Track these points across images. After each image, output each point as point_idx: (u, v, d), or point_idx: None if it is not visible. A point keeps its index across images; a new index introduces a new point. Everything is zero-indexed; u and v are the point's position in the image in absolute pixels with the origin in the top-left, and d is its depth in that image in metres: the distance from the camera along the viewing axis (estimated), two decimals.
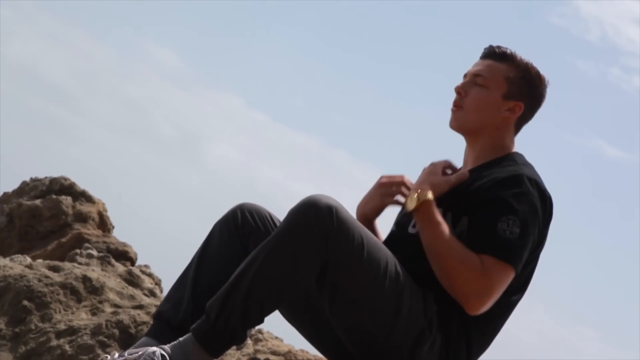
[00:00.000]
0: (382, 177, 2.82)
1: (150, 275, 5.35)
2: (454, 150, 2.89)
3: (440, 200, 2.67)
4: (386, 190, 2.80)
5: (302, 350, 3.09)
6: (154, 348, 2.45)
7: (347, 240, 2.45)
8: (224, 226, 2.78)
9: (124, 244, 5.99)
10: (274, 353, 3.22)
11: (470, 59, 2.84)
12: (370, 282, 2.47)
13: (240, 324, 2.46)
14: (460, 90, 2.79)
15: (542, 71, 2.77)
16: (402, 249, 2.65)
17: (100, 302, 4.29)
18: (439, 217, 2.62)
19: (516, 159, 2.74)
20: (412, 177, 2.84)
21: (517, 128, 2.80)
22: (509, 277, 2.57)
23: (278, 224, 2.78)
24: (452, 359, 2.59)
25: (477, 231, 2.59)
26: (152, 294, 4.71)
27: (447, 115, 2.80)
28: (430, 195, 2.63)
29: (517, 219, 2.57)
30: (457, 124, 2.79)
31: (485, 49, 2.82)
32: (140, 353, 2.44)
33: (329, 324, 2.58)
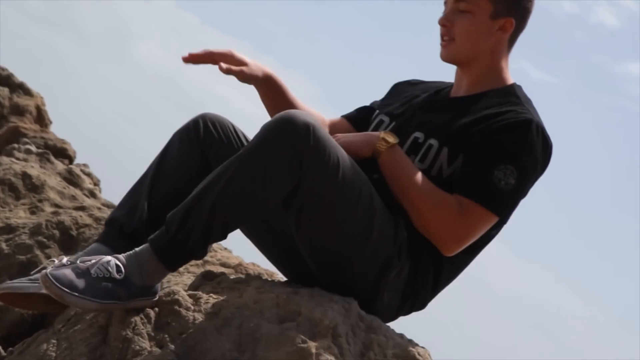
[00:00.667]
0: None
1: (89, 175, 5.23)
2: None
3: (435, 132, 2.59)
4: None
5: (253, 264, 3.03)
6: (109, 257, 2.36)
7: (323, 160, 2.36)
8: (184, 135, 2.68)
9: (63, 141, 5.84)
10: (223, 265, 3.16)
11: None
12: (342, 205, 2.40)
13: (201, 239, 2.37)
14: (446, 22, 2.66)
15: None
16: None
17: (40, 200, 4.17)
18: (408, 160, 2.56)
19: (518, 94, 2.64)
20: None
21: (511, 43, 2.69)
22: (491, 223, 2.52)
23: (242, 137, 2.71)
24: (418, 287, 2.55)
25: (471, 174, 2.51)
26: (92, 194, 4.60)
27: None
28: (394, 137, 2.57)
29: (515, 170, 2.49)
30: (451, 57, 2.68)
31: None
32: (93, 261, 2.34)
33: (292, 244, 2.50)
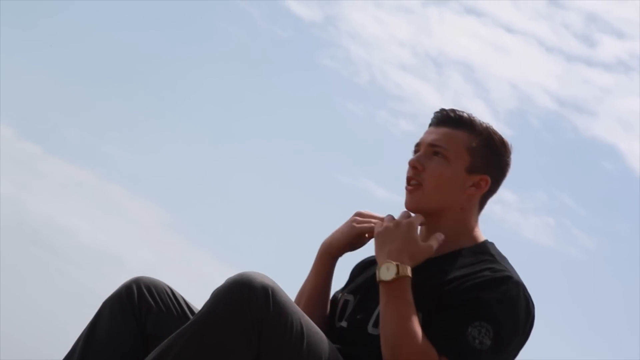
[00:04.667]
0: (358, 211, 2.48)
1: None
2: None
3: None
4: (361, 220, 2.46)
5: None
6: None
7: (285, 329, 2.07)
8: (116, 304, 2.34)
9: None
10: None
11: None
12: None
13: None
14: (417, 165, 2.39)
15: (504, 135, 2.43)
16: (356, 351, 2.28)
17: None
18: (411, 297, 2.25)
19: (492, 252, 2.37)
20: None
21: (482, 205, 2.43)
22: None
23: (182, 302, 2.39)
24: None
25: (443, 330, 2.22)
26: None
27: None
28: (409, 270, 2.25)
29: (491, 329, 2.20)
30: (416, 205, 2.38)
31: (436, 113, 2.43)
32: None
33: None
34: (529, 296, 2.29)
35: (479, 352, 2.20)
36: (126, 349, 2.31)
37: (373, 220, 2.44)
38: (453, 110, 2.41)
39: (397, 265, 2.24)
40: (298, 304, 2.31)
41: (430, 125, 2.45)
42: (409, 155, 2.44)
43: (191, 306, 2.39)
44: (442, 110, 2.43)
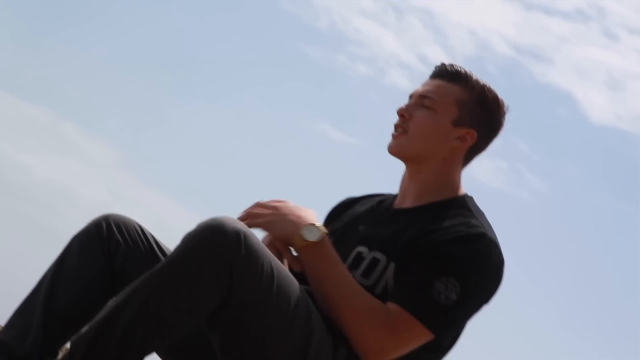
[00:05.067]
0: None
1: None
2: None
3: (381, 246, 2.30)
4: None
5: None
6: None
7: (255, 272, 2.06)
8: (85, 240, 2.31)
9: None
10: None
11: None
12: (276, 322, 2.09)
13: None
14: (404, 113, 2.41)
15: (500, 95, 2.42)
16: None
17: None
18: (336, 255, 2.27)
19: (470, 207, 2.38)
20: None
21: (467, 159, 2.43)
22: (423, 339, 2.22)
23: (152, 241, 2.36)
24: None
25: (409, 282, 2.23)
26: None
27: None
28: (324, 228, 2.27)
29: (458, 285, 2.20)
30: (399, 150, 2.41)
31: (436, 66, 2.45)
32: None
33: None
34: (501, 255, 2.30)
35: (442, 307, 2.20)
36: (94, 285, 2.29)
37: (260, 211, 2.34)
38: (452, 65, 2.43)
39: (315, 225, 2.26)
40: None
41: (429, 77, 2.47)
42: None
43: (161, 245, 2.37)
44: (442, 64, 2.45)
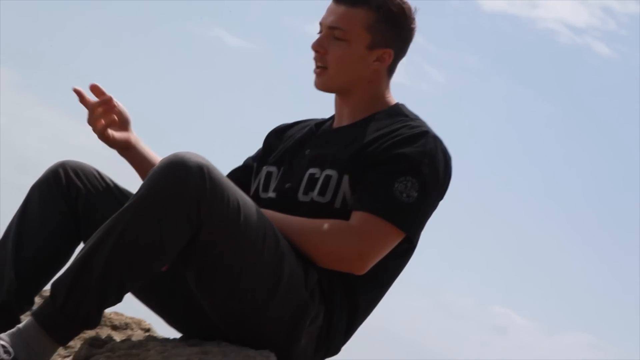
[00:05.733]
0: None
1: None
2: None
3: (330, 163, 2.40)
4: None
5: (116, 313, 2.78)
6: None
7: (222, 204, 2.15)
8: (45, 189, 2.39)
9: None
10: None
11: None
12: (246, 252, 2.20)
13: (95, 306, 2.13)
14: (319, 49, 2.47)
15: (403, 3, 2.46)
16: None
17: None
18: (270, 212, 2.34)
19: (404, 112, 2.50)
20: None
21: (391, 72, 2.52)
22: (396, 239, 2.34)
23: (110, 184, 2.45)
24: (333, 331, 2.37)
25: (370, 189, 2.34)
26: None
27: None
28: None
29: (416, 182, 2.33)
30: (325, 86, 2.49)
31: None
32: None
33: (190, 298, 2.29)
34: (446, 149, 2.43)
35: (407, 205, 2.33)
36: (60, 231, 2.38)
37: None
38: None
39: None
40: None
41: (332, 2, 2.49)
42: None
43: (121, 188, 2.45)
44: None
